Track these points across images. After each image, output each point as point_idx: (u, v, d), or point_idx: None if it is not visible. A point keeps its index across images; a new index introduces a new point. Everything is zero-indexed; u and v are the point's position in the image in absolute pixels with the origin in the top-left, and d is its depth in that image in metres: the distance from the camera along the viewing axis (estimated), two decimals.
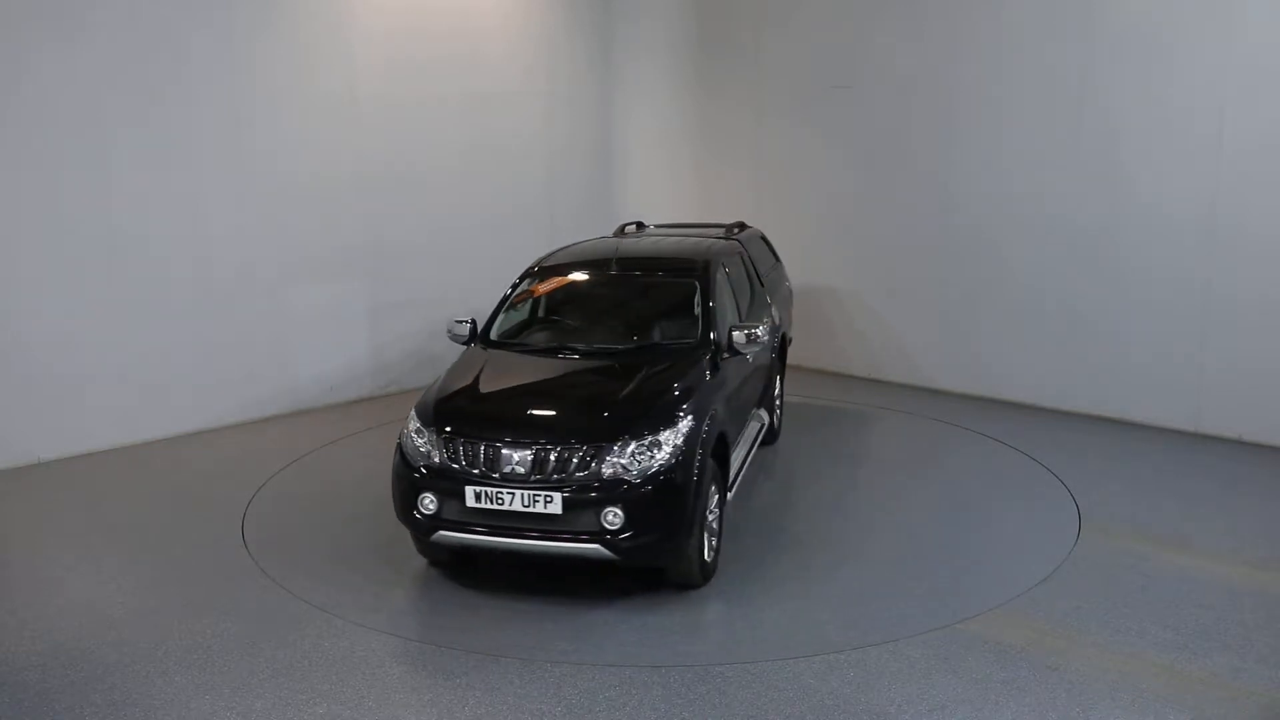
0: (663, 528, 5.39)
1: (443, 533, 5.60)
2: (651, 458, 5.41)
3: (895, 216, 10.31)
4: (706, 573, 5.78)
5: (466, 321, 6.82)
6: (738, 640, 5.33)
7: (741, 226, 8.89)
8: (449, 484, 5.52)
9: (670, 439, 5.47)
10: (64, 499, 7.38)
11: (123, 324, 8.40)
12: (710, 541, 5.83)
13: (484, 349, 6.67)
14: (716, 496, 5.91)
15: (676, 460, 5.43)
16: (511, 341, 6.78)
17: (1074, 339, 9.28)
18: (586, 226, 10.78)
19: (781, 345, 8.61)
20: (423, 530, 5.68)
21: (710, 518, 5.82)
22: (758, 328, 6.45)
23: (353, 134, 9.61)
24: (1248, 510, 6.94)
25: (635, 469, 5.38)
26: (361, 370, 9.96)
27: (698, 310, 6.61)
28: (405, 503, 5.70)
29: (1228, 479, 7.56)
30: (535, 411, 5.81)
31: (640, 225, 9.07)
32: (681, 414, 5.61)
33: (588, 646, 5.20)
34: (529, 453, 5.43)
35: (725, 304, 6.86)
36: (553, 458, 5.41)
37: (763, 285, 8.13)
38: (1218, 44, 8.16)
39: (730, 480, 6.40)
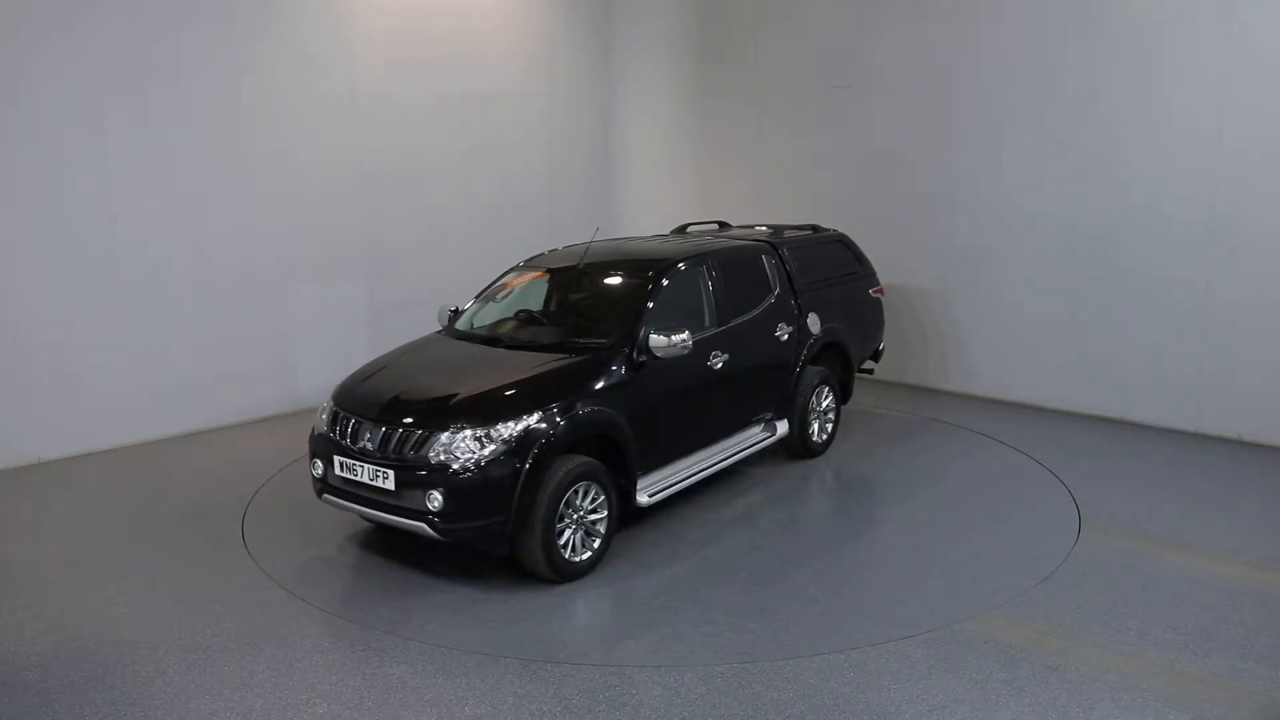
0: (483, 516, 5.60)
1: (326, 495, 6.20)
2: (480, 448, 5.60)
3: (894, 216, 10.32)
4: (561, 570, 5.82)
5: (451, 310, 7.41)
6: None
7: (815, 229, 8.82)
8: (328, 452, 6.10)
9: (504, 432, 5.64)
10: (64, 499, 7.38)
11: (123, 324, 8.41)
12: (587, 541, 5.99)
13: (439, 335, 7.16)
14: (602, 497, 6.01)
15: (505, 453, 5.60)
16: (463, 331, 7.12)
17: (1074, 339, 9.28)
18: (586, 226, 10.81)
19: (840, 355, 8.35)
20: (316, 491, 6.30)
21: (595, 518, 6.01)
22: (680, 335, 6.33)
23: (353, 134, 9.61)
24: (1248, 510, 6.94)
25: (461, 456, 5.59)
26: None
27: (626, 313, 6.60)
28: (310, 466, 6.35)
29: (1228, 479, 7.56)
30: (398, 395, 6.10)
31: (723, 225, 9.07)
32: (525, 410, 5.73)
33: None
34: (380, 431, 5.84)
35: (670, 309, 6.72)
36: (395, 438, 5.78)
37: (794, 290, 7.82)
38: (1217, 45, 8.16)
39: (663, 488, 6.52)
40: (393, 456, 5.74)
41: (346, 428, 6.03)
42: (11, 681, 4.91)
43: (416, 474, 5.64)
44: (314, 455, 6.24)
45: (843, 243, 8.82)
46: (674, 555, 6.31)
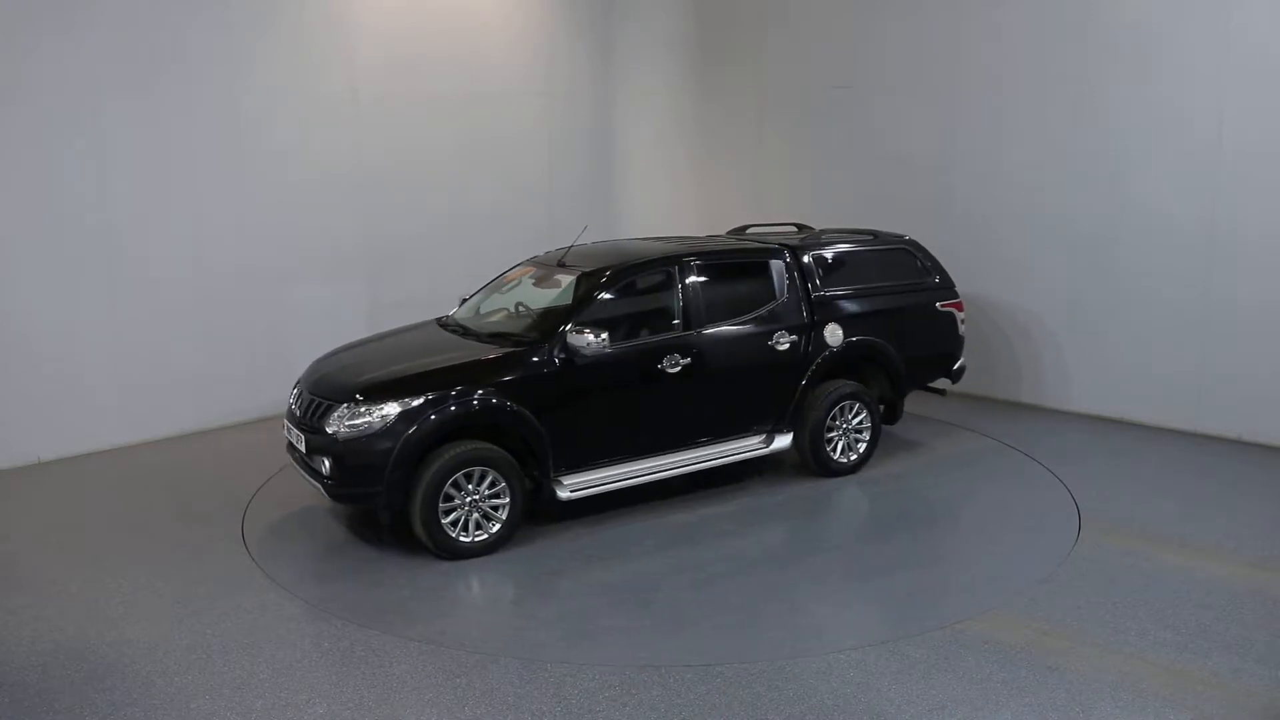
0: (361, 485, 6.15)
1: (288, 452, 6.84)
2: (365, 424, 6.09)
3: (895, 218, 10.30)
4: (445, 546, 6.17)
5: (465, 298, 7.84)
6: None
7: (874, 235, 8.32)
8: (287, 417, 6.83)
9: (384, 411, 6.09)
10: (64, 499, 7.38)
11: (122, 324, 8.41)
12: (485, 525, 6.27)
13: (429, 322, 7.57)
14: (502, 484, 6.27)
15: (382, 430, 6.06)
16: (447, 319, 7.49)
17: (1074, 339, 9.29)
18: (588, 228, 10.80)
19: (883, 370, 7.82)
20: (287, 450, 6.90)
21: (497, 503, 6.28)
22: (601, 335, 6.43)
23: (352, 133, 9.61)
24: (1248, 510, 6.94)
25: (346, 429, 6.13)
26: None
27: (562, 311, 6.75)
28: None
29: (1228, 479, 7.56)
30: (332, 370, 6.75)
31: (801, 227, 8.65)
32: (412, 393, 6.14)
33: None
34: (307, 400, 6.52)
35: (625, 310, 6.89)
36: (310, 407, 6.44)
37: (810, 298, 7.41)
38: (1217, 48, 8.16)
39: (590, 486, 6.61)
40: (306, 424, 6.39)
41: (296, 395, 6.75)
42: (11, 681, 4.91)
43: (316, 441, 6.25)
44: (285, 423, 6.95)
45: (908, 251, 8.16)
46: (580, 553, 6.36)
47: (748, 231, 8.84)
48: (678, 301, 7.01)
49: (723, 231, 9.57)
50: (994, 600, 5.65)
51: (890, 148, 10.32)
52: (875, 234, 8.42)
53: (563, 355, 6.47)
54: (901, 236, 8.42)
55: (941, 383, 8.52)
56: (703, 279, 7.13)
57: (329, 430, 6.18)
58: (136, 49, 8.25)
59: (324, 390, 6.47)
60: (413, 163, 10.06)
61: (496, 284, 7.78)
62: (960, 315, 8.29)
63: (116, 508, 7.19)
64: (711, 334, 7.05)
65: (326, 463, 6.18)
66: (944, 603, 5.65)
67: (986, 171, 9.68)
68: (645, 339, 6.85)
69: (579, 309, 6.67)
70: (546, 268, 7.51)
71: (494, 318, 7.35)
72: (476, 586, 6.01)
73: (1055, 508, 7.03)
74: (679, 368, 6.84)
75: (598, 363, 6.54)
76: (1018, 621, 5.40)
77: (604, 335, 6.46)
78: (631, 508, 7.00)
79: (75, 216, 8.10)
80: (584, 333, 6.44)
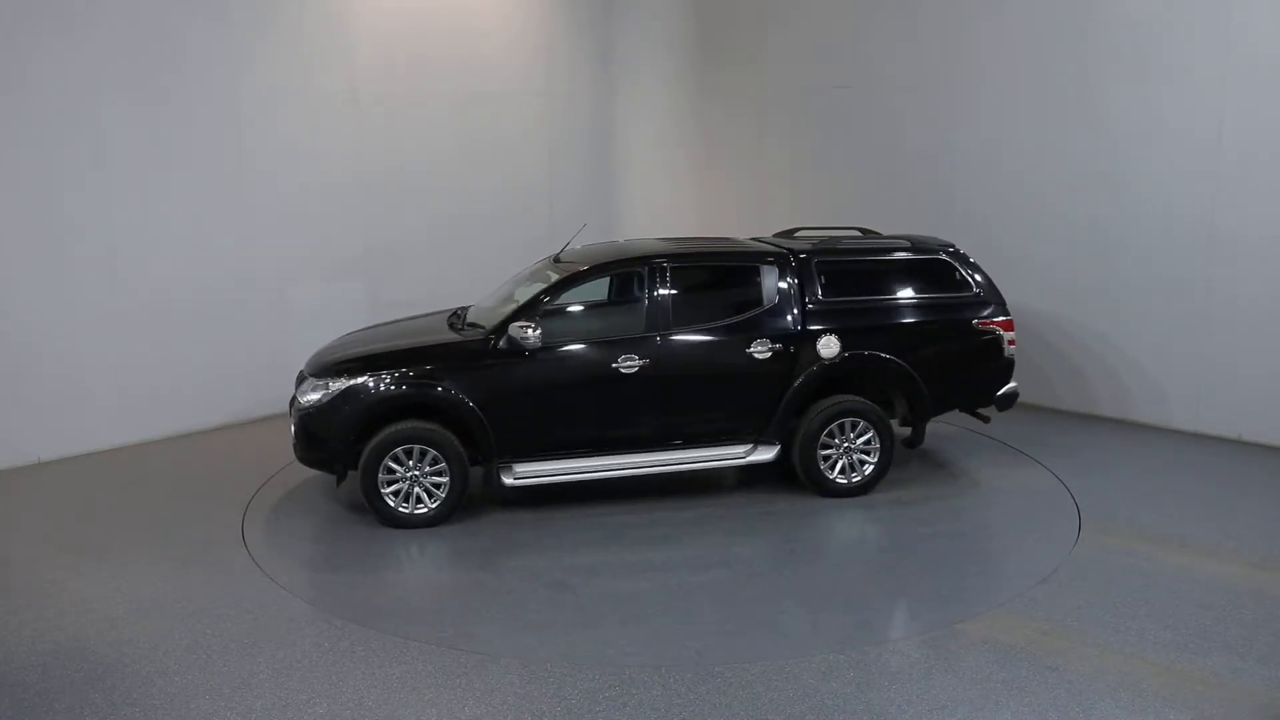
0: (312, 450, 6.86)
1: None
2: (318, 397, 6.74)
3: (895, 217, 10.28)
4: (384, 514, 6.68)
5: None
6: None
7: (909, 242, 7.67)
8: None
9: (334, 388, 6.69)
10: (64, 499, 7.38)
11: (123, 324, 8.41)
12: (421, 497, 6.69)
13: (445, 311, 7.89)
14: (442, 462, 6.65)
15: (328, 402, 6.69)
16: (450, 310, 7.83)
17: (1074, 339, 9.29)
18: (586, 226, 10.80)
19: (902, 388, 7.28)
20: None
21: (438, 480, 6.66)
22: (535, 330, 6.67)
23: (352, 134, 9.60)
24: (1248, 510, 6.94)
25: (308, 400, 6.80)
26: None
27: (520, 305, 7.00)
28: None
29: (1228, 479, 7.56)
30: (325, 349, 7.40)
31: (865, 232, 8.18)
32: (356, 373, 6.72)
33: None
34: (299, 375, 7.20)
35: (588, 309, 7.25)
36: (298, 382, 7.15)
37: (805, 307, 7.05)
38: (1217, 48, 8.16)
39: (536, 477, 6.81)
40: (293, 397, 7.05)
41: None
42: (11, 681, 4.91)
43: (293, 410, 6.96)
44: None
45: (946, 262, 7.47)
46: (512, 540, 6.56)
47: (796, 235, 8.33)
48: (643, 303, 6.98)
49: (770, 233, 9.20)
50: (994, 600, 5.65)
51: (890, 148, 10.32)
52: (911, 241, 7.76)
53: (505, 347, 6.72)
54: (947, 245, 7.71)
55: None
56: (675, 281, 7.03)
57: (301, 401, 6.87)
58: (136, 49, 8.24)
59: (308, 366, 7.16)
60: (413, 163, 10.06)
61: (517, 279, 7.84)
62: (1008, 335, 7.45)
63: (116, 508, 7.19)
64: (675, 337, 6.93)
65: (292, 429, 6.90)
66: (944, 603, 5.65)
67: (986, 171, 9.67)
68: (596, 337, 6.94)
69: (531, 305, 6.88)
70: (546, 265, 7.65)
71: (499, 310, 7.37)
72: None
73: (1055, 507, 7.03)
74: (636, 368, 6.83)
75: (544, 357, 6.76)
76: (1018, 621, 5.40)
77: (538, 330, 6.68)
78: (596, 504, 7.05)
79: (75, 216, 8.09)
80: (524, 327, 6.67)
